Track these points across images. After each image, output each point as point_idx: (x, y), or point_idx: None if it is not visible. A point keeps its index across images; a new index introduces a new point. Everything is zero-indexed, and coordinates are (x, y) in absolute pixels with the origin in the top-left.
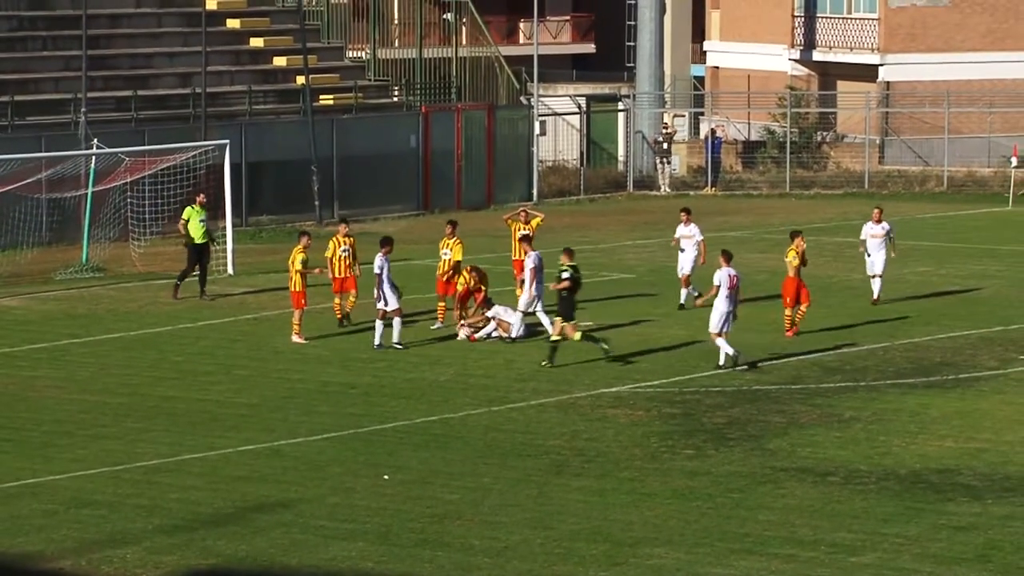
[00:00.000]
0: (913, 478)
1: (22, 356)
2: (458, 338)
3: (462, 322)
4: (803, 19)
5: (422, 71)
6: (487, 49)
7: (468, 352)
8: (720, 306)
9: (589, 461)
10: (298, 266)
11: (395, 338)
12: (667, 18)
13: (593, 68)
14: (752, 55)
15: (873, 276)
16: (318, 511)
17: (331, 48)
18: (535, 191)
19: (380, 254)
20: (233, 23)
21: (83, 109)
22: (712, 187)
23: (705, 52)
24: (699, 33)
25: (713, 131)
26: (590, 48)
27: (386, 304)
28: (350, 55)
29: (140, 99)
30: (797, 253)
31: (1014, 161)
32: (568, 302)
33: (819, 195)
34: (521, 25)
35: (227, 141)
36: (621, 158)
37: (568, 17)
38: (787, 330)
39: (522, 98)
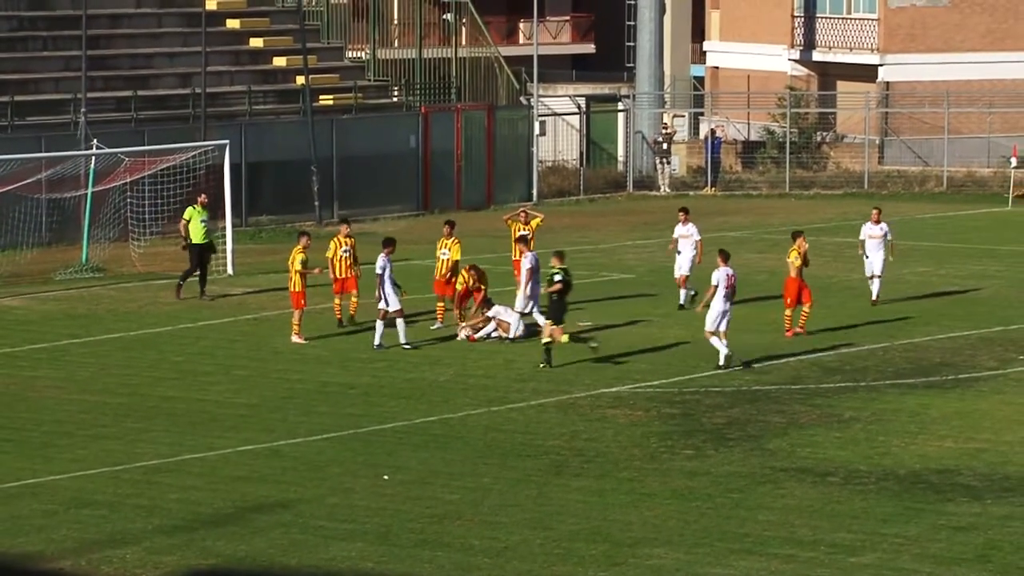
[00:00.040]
0: (913, 478)
1: (22, 356)
2: (458, 338)
3: (463, 324)
4: (803, 19)
5: (422, 71)
6: (487, 49)
7: (468, 352)
8: (717, 305)
9: (589, 461)
10: (297, 266)
11: (401, 339)
12: (667, 18)
13: (593, 68)
14: (752, 55)
15: (871, 277)
16: (317, 511)
17: (331, 48)
18: (535, 191)
19: (382, 254)
20: (233, 23)
21: (83, 109)
22: (712, 187)
23: (705, 52)
24: (699, 33)
25: (713, 131)
26: (590, 48)
27: (387, 304)
28: (350, 55)
29: (140, 99)
30: (799, 253)
31: (1014, 161)
32: (559, 305)
33: (819, 195)
34: (521, 25)
35: (227, 141)
36: (621, 158)
37: (568, 17)
38: (787, 330)
39: (522, 98)
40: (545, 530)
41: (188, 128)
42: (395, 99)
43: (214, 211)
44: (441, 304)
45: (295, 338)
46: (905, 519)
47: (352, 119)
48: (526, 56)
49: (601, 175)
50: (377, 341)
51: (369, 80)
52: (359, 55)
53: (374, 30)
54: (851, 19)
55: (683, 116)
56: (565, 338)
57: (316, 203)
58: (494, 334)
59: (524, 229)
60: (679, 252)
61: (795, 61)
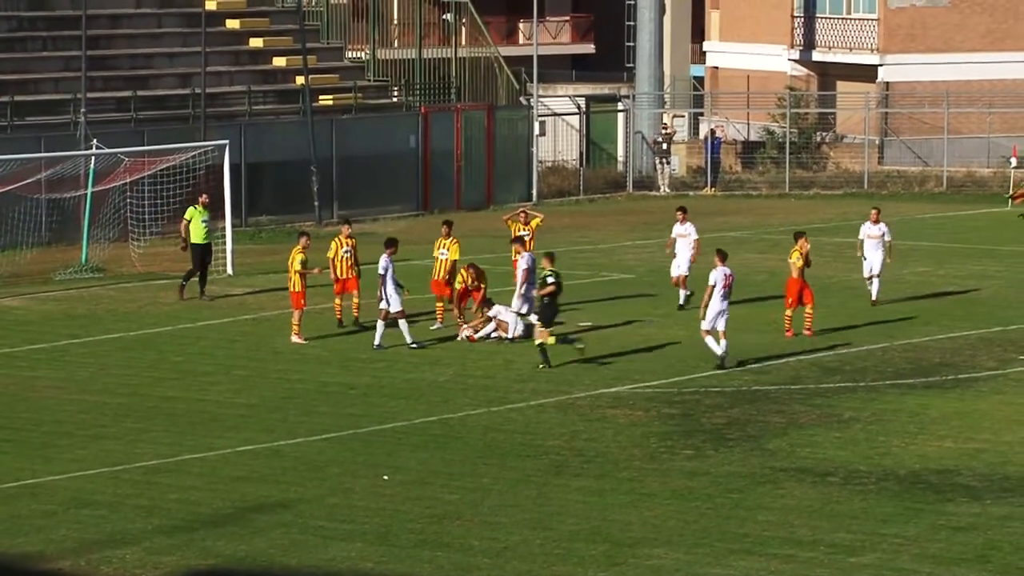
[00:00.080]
0: (912, 478)
1: (22, 356)
2: (459, 339)
3: (464, 326)
4: (802, 19)
5: (422, 71)
6: (486, 49)
7: (467, 352)
8: (715, 304)
9: (588, 461)
10: (297, 267)
11: (407, 339)
12: (666, 18)
13: (592, 68)
14: (751, 55)
15: (869, 277)
16: (317, 511)
17: (330, 48)
18: (534, 191)
19: (385, 255)
20: (233, 23)
21: (83, 109)
22: (711, 187)
23: (704, 52)
24: (698, 33)
25: (712, 131)
26: (589, 48)
27: (388, 305)
28: (349, 55)
29: (140, 99)
30: (801, 254)
31: (1013, 161)
32: (551, 307)
33: (818, 195)
34: (520, 25)
35: (226, 141)
36: (620, 158)
37: (567, 17)
38: (787, 330)
39: (521, 98)
40: (545, 530)
41: (188, 128)
42: (395, 99)
43: (214, 211)
44: (440, 304)
45: (295, 338)
46: (905, 519)
47: (352, 119)
48: (526, 56)
49: (601, 175)
50: (377, 341)
51: (369, 80)
52: (359, 55)
53: (374, 30)
54: (851, 19)
55: (683, 116)
56: (551, 340)
57: (316, 203)
58: (494, 334)
59: (524, 229)
60: (674, 255)
61: (795, 61)
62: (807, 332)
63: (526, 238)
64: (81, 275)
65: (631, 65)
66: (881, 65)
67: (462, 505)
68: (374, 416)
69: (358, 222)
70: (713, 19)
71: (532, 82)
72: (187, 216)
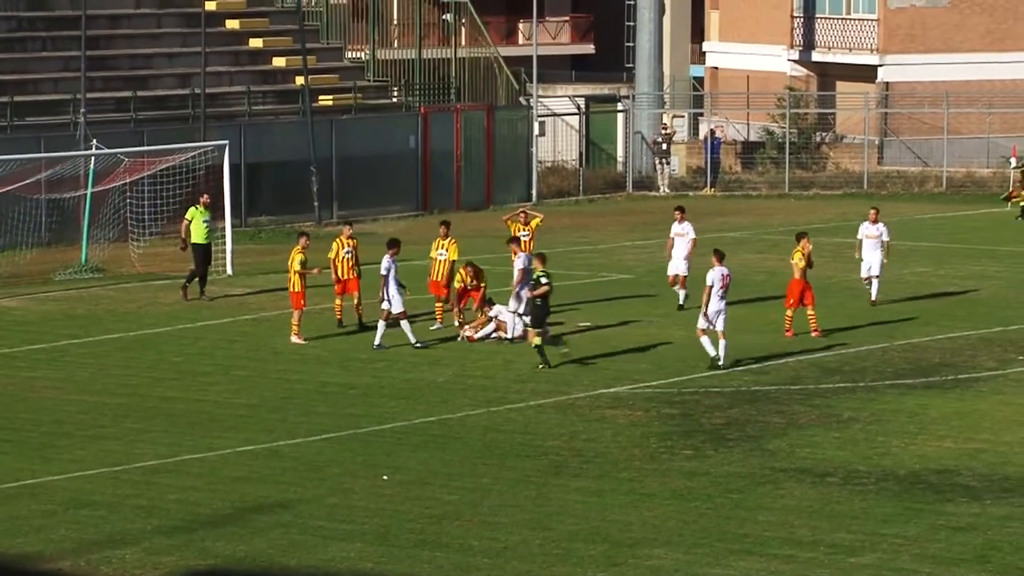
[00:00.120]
0: (912, 479)
1: (21, 357)
2: (459, 339)
3: (466, 326)
4: (802, 20)
5: (421, 72)
6: (486, 50)
7: (467, 353)
8: (712, 304)
9: (588, 462)
10: (296, 267)
11: (411, 339)
12: (666, 19)
13: (592, 69)
14: (751, 56)
15: (867, 278)
16: (317, 512)
17: (330, 49)
18: (534, 192)
19: (387, 255)
20: (232, 24)
21: (82, 110)
22: (711, 188)
23: (704, 53)
24: (698, 34)
25: (712, 132)
26: (589, 49)
27: (390, 305)
28: (349, 56)
29: (139, 100)
30: (803, 255)
31: (1013, 162)
32: (543, 308)
33: (818, 196)
34: (520, 26)
35: (226, 142)
36: (620, 159)
37: (567, 18)
38: (786, 330)
39: (521, 99)
40: (544, 530)
41: (187, 128)
42: (394, 99)
43: (214, 212)
44: (440, 305)
45: (294, 338)
46: (904, 519)
47: (351, 119)
48: (525, 56)
49: (600, 175)
50: (377, 341)
51: (368, 80)
52: (358, 55)
53: (373, 30)
54: (850, 19)
55: (682, 116)
56: (537, 340)
57: (315, 203)
58: (494, 335)
59: (524, 230)
60: (670, 258)
61: (794, 61)
62: (815, 333)
63: (525, 238)
64: (81, 275)
65: (631, 65)
66: (881, 65)
67: (461, 505)
68: (373, 416)
69: (358, 222)
70: (713, 19)
71: (532, 82)
72: (188, 216)
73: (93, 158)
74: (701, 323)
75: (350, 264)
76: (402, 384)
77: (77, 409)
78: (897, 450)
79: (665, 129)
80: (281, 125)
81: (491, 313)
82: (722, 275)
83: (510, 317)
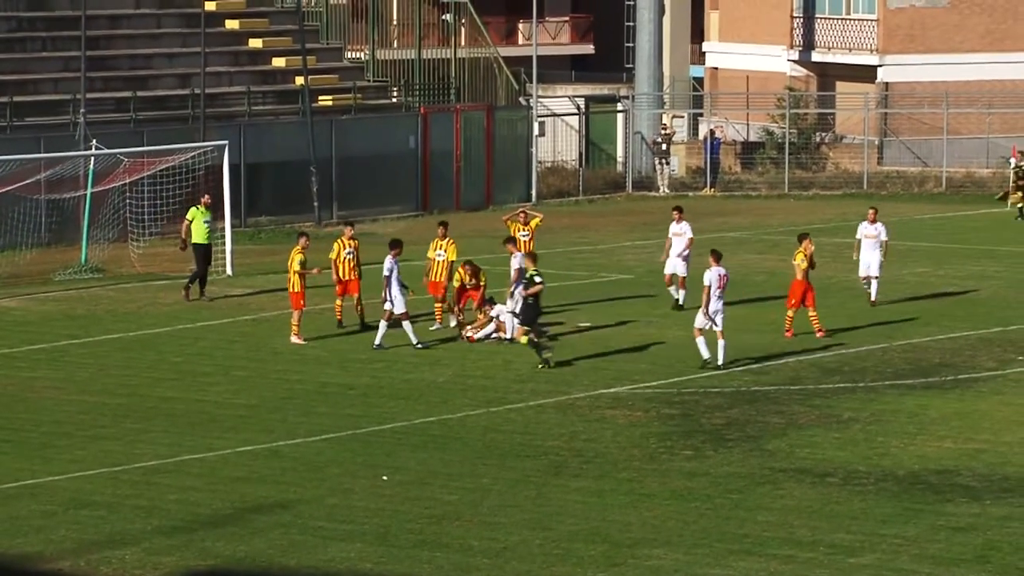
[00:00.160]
0: (912, 479)
1: (21, 357)
2: (460, 338)
3: (468, 328)
4: (802, 20)
5: (421, 72)
6: (486, 50)
7: (467, 353)
8: (711, 305)
9: (588, 462)
10: (296, 267)
11: (412, 339)
12: (666, 19)
13: (592, 69)
14: (751, 56)
15: (866, 277)
16: (316, 512)
17: (330, 49)
18: (534, 192)
19: (390, 256)
20: (232, 24)
21: (82, 110)
22: (711, 188)
23: (704, 53)
24: (698, 34)
25: (712, 132)
26: (589, 49)
27: (393, 306)
28: (349, 56)
29: (139, 100)
30: (805, 256)
31: (1012, 162)
32: (534, 307)
33: (818, 196)
34: (520, 26)
35: (226, 142)
36: (620, 159)
37: (567, 18)
38: (787, 330)
39: (521, 99)
40: (544, 531)
41: (187, 129)
42: (394, 100)
43: (213, 212)
44: (439, 305)
45: (294, 339)
46: (904, 520)
47: (351, 120)
48: (525, 57)
49: (600, 176)
50: (377, 341)
51: (368, 81)
52: (358, 56)
53: (373, 31)
54: (850, 20)
55: (682, 117)
56: (524, 339)
57: (315, 204)
58: (493, 335)
59: (523, 230)
60: (669, 254)
61: (794, 62)
62: (819, 334)
63: (525, 238)
64: (80, 276)
65: (630, 66)
66: (880, 66)
67: (461, 505)
68: (373, 417)
69: (357, 223)
70: (712, 20)
71: (531, 83)
72: (189, 216)
73: (93, 158)
74: (699, 322)
75: (351, 265)
76: (402, 384)
77: (77, 409)
78: (897, 450)
79: (665, 129)
80: (281, 125)
81: (492, 313)
82: (719, 275)
83: (509, 317)
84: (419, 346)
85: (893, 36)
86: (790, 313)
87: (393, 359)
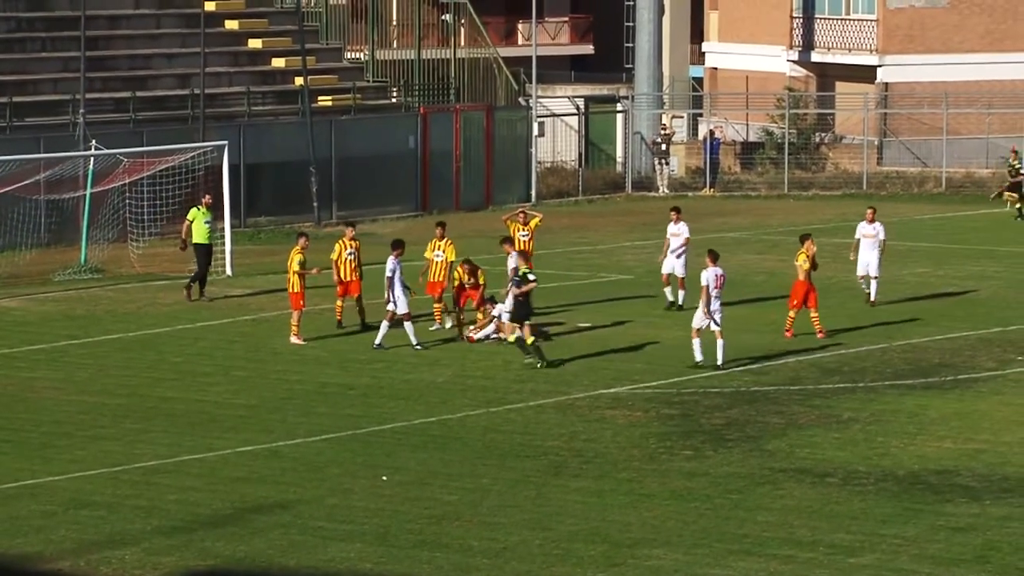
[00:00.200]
0: (911, 479)
1: (20, 357)
2: (462, 337)
3: (472, 328)
4: (801, 20)
5: (420, 72)
6: (485, 50)
7: (466, 353)
8: (710, 305)
9: (587, 462)
10: (296, 267)
11: (412, 340)
12: (665, 19)
13: (591, 69)
14: (750, 56)
15: (864, 276)
16: (316, 512)
17: (329, 49)
18: (533, 192)
19: (392, 256)
20: (231, 24)
21: (81, 110)
22: (710, 188)
23: (703, 53)
24: (697, 34)
25: (711, 132)
26: (588, 49)
27: (396, 307)
28: (348, 56)
29: (139, 100)
30: (807, 256)
31: (1019, 164)
32: (525, 305)
33: (817, 196)
34: (519, 26)
35: (226, 142)
36: (619, 159)
37: (567, 18)
38: (787, 330)
39: (520, 99)
40: (544, 531)
41: (187, 129)
42: (394, 100)
43: (213, 212)
44: (437, 305)
45: (294, 339)
46: (904, 520)
47: (351, 120)
48: (525, 57)
49: (600, 176)
50: (378, 341)
51: (368, 81)
52: (358, 56)
53: (373, 31)
54: (850, 20)
55: (682, 117)
56: (512, 337)
57: (315, 204)
58: (493, 335)
59: (523, 229)
60: (667, 254)
61: (794, 62)
62: (820, 335)
63: (525, 238)
64: (80, 276)
65: (630, 66)
66: (880, 66)
67: (461, 506)
68: (373, 417)
69: (357, 223)
70: (712, 20)
71: (531, 83)
72: (190, 217)
73: (92, 159)
74: (697, 322)
75: (352, 266)
76: (401, 385)
77: (77, 409)
78: (896, 450)
79: (664, 130)
80: (280, 126)
81: (494, 312)
82: (715, 275)
83: (508, 318)
84: (419, 347)
85: (893, 36)
86: (792, 314)
87: (393, 359)
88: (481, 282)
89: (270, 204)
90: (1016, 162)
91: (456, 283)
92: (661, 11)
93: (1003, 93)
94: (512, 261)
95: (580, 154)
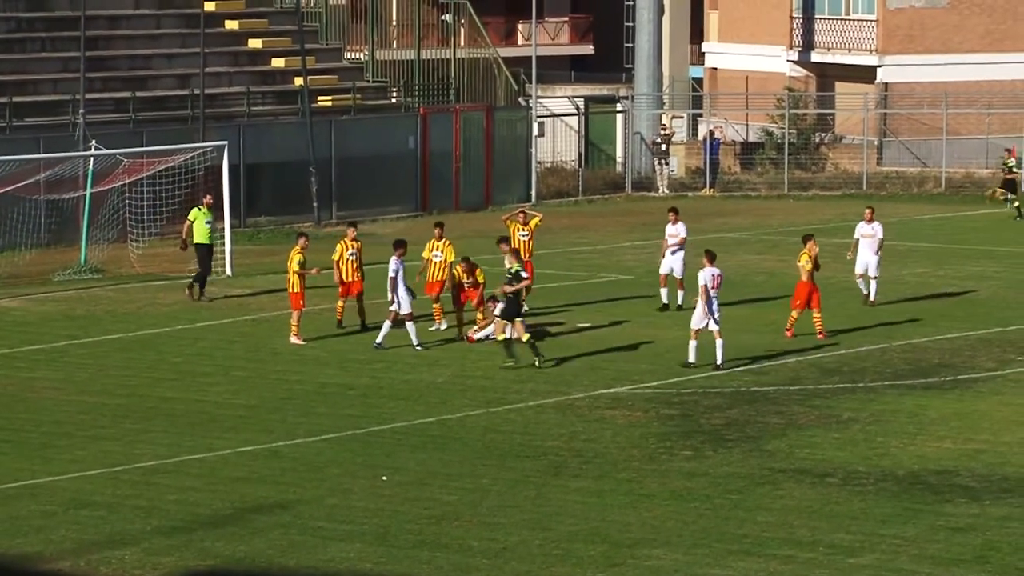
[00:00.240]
0: (911, 479)
1: (20, 357)
2: (462, 337)
3: (475, 328)
4: (801, 20)
5: (420, 72)
6: (485, 50)
7: (466, 353)
8: (703, 305)
9: (587, 462)
10: (295, 267)
11: (413, 340)
12: (665, 19)
13: (591, 69)
14: (750, 56)
15: (862, 275)
16: (316, 512)
17: (329, 49)
18: (533, 192)
19: (394, 256)
20: (231, 24)
21: (81, 110)
22: (710, 188)
23: (703, 53)
24: (697, 34)
25: (711, 132)
26: (588, 49)
27: (399, 307)
28: (348, 56)
29: (138, 100)
30: (810, 257)
31: (1012, 162)
32: (516, 302)
33: (817, 196)
34: (519, 26)
35: (225, 142)
36: (619, 159)
37: (566, 18)
38: (787, 330)
39: (520, 99)
40: (544, 531)
41: (187, 129)
42: (394, 100)
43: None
44: (436, 305)
45: (294, 339)
46: (903, 520)
47: (351, 120)
48: (525, 57)
49: (600, 176)
50: (379, 340)
51: (368, 81)
52: (358, 56)
53: (372, 31)
54: (850, 20)
55: (681, 117)
56: (501, 336)
57: (315, 204)
58: (492, 335)
59: (523, 229)
60: (670, 252)
61: (793, 62)
62: (820, 336)
63: (525, 238)
64: (80, 276)
65: (630, 66)
66: (880, 66)
67: (461, 506)
68: (373, 417)
69: (357, 223)
70: (712, 20)
71: (531, 83)
72: (191, 217)
73: (92, 159)
74: (695, 322)
75: (354, 266)
76: (401, 385)
77: (77, 409)
78: (896, 451)
79: (664, 130)
80: (280, 126)
81: (495, 312)
82: (713, 275)
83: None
84: (419, 347)
85: (892, 36)
86: (795, 314)
87: (393, 359)
88: (480, 281)
89: (270, 204)
90: (1009, 161)
91: (456, 281)
92: (661, 11)
93: (1003, 93)
94: (508, 262)
95: (580, 154)
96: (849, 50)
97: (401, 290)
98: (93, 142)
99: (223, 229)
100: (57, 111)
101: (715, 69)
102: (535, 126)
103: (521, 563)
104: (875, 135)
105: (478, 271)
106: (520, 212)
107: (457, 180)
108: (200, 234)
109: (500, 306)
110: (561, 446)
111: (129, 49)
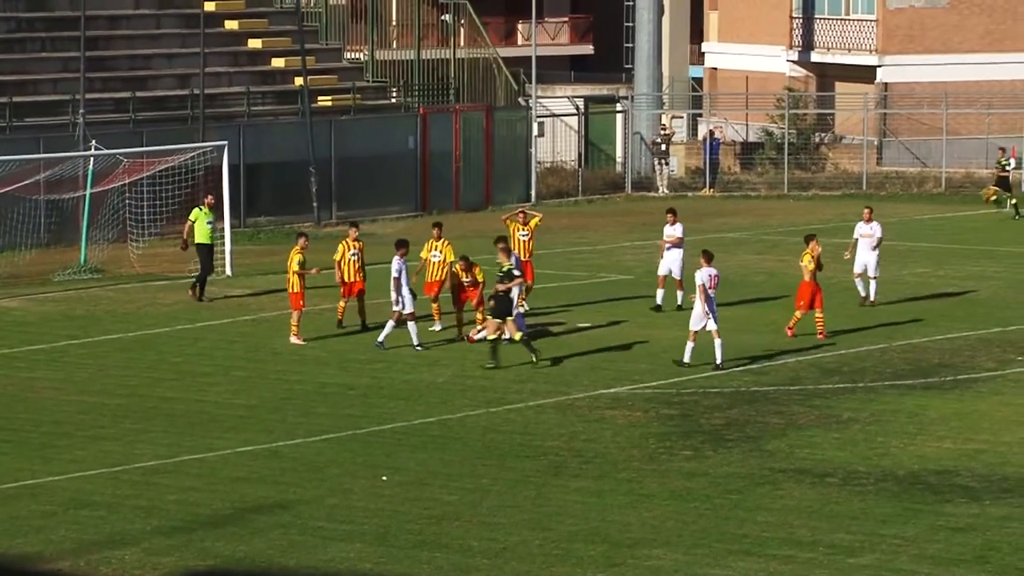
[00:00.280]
0: (911, 479)
1: (20, 357)
2: (462, 336)
3: (476, 328)
4: (801, 20)
5: (420, 72)
6: (485, 50)
7: (466, 353)
8: (701, 305)
9: (587, 462)
10: (295, 267)
11: (414, 340)
12: (665, 19)
13: (591, 69)
14: (750, 56)
15: (860, 275)
16: (316, 512)
17: (329, 49)
18: (533, 192)
19: (397, 256)
20: (231, 24)
21: (81, 110)
22: (710, 188)
23: (703, 53)
24: (697, 34)
25: (711, 132)
26: (588, 49)
27: (403, 307)
28: (348, 56)
29: (138, 100)
30: (812, 257)
31: (1013, 162)
32: (506, 300)
33: (817, 196)
34: (519, 26)
35: (225, 142)
36: (619, 159)
37: (566, 18)
38: (788, 329)
39: (520, 99)
40: (544, 531)
41: (187, 129)
42: (393, 100)
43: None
44: (436, 305)
45: (294, 339)
46: (903, 520)
47: (351, 120)
48: (524, 57)
49: (599, 176)
50: (380, 339)
51: (367, 81)
52: (357, 56)
53: (372, 31)
54: (849, 20)
55: (681, 117)
56: (492, 336)
57: (315, 204)
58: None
59: (523, 229)
60: (668, 249)
61: (793, 62)
62: (821, 336)
63: (524, 238)
64: (80, 276)
65: (630, 66)
66: (880, 66)
67: (461, 506)
68: (373, 417)
69: (358, 223)
70: (712, 20)
71: (531, 83)
72: (192, 217)
73: (92, 159)
74: (694, 323)
75: (356, 267)
76: (401, 385)
77: (77, 409)
78: (896, 451)
79: (664, 130)
80: (280, 126)
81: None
82: (710, 275)
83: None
84: (419, 347)
85: (892, 36)
86: (798, 314)
87: (393, 359)
88: (480, 280)
89: (270, 204)
90: (1004, 160)
91: (456, 282)
92: (661, 11)
93: (1003, 93)
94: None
95: (580, 154)
96: (849, 50)
97: (405, 290)
98: (93, 142)
99: (223, 229)
100: (57, 111)
101: (715, 69)
102: (535, 126)
103: (521, 563)
104: (875, 135)
105: (477, 269)
106: (520, 212)
107: (457, 180)
108: (201, 234)
109: (491, 304)
110: (561, 446)
111: (129, 49)
